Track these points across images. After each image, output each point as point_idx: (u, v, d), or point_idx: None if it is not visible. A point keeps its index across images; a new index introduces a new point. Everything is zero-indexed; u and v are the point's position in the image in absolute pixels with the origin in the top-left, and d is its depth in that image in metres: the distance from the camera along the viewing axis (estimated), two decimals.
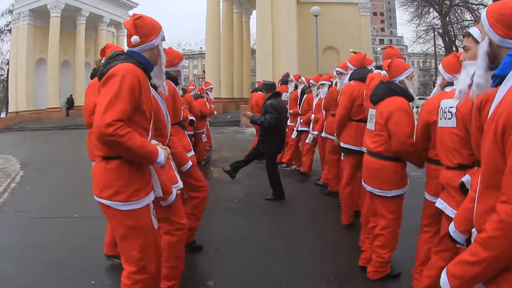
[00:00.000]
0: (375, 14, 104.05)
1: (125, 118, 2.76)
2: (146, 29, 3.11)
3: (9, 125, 31.14)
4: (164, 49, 3.41)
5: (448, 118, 3.23)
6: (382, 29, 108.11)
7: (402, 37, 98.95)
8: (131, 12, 41.87)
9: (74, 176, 10.22)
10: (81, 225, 6.27)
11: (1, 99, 46.97)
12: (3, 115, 41.40)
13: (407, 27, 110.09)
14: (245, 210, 7.26)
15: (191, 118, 8.04)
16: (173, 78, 4.69)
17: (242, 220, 6.65)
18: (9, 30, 38.50)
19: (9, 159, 13.68)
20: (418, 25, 40.08)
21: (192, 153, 5.07)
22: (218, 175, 10.30)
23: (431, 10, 39.28)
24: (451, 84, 3.48)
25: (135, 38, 3.05)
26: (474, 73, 2.16)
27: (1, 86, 47.61)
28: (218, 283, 4.45)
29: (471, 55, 2.85)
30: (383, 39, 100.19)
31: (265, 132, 7.57)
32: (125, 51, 3.10)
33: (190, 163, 4.58)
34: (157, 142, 3.20)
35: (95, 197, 2.99)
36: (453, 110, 3.15)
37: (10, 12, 36.34)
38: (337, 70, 6.80)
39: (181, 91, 5.24)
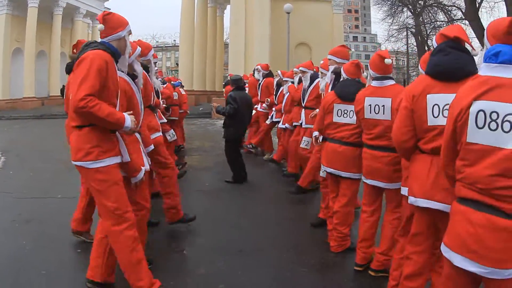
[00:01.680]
0: (349, 11, 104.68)
1: (94, 93, 3.33)
2: (113, 22, 3.73)
3: None
4: (134, 41, 4.09)
5: None
6: (356, 27, 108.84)
7: (376, 35, 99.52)
8: (106, 4, 41.90)
9: (53, 161, 10.51)
10: (64, 204, 6.65)
11: None
12: None
13: (380, 26, 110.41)
14: (215, 192, 7.86)
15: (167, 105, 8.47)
16: (145, 67, 5.20)
17: (212, 201, 7.24)
18: None
19: None
20: (391, 24, 40.52)
21: (160, 133, 5.59)
22: (189, 163, 10.74)
23: (404, 9, 39.58)
24: None
25: (100, 26, 3.69)
26: None
27: None
28: (191, 251, 5.05)
29: None
30: (356, 36, 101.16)
31: (226, 121, 8.33)
32: (96, 41, 3.73)
33: (152, 146, 4.99)
34: (130, 113, 3.74)
35: (73, 162, 3.58)
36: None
37: None
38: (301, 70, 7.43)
39: (155, 79, 5.78)
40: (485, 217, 2.21)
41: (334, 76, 5.51)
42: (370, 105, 4.23)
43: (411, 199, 3.17)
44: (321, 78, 6.49)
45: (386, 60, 4.17)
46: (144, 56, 5.24)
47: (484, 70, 2.31)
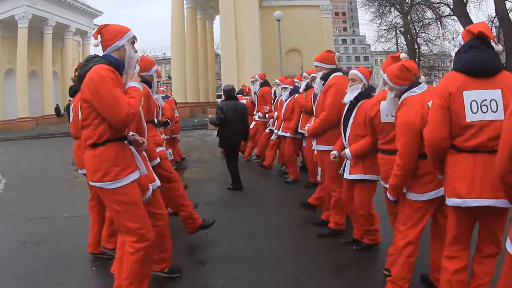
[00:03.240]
0: (337, 14, 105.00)
1: (124, 100, 3.43)
2: (109, 34, 3.67)
3: None
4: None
5: None
6: (345, 29, 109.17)
7: (365, 36, 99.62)
8: (95, 21, 42.03)
9: (55, 181, 10.48)
10: (72, 223, 6.72)
11: None
12: None
13: (368, 27, 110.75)
14: (222, 203, 7.92)
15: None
16: (147, 82, 5.26)
17: (220, 211, 7.24)
18: None
19: None
20: (380, 24, 40.60)
21: (164, 148, 5.65)
22: (190, 175, 10.98)
23: (392, 9, 39.66)
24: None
25: (96, 42, 3.69)
26: None
27: None
28: (207, 263, 5.11)
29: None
30: (345, 39, 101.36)
31: (218, 130, 8.68)
32: (97, 55, 3.68)
33: (158, 159, 5.06)
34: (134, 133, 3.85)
35: (90, 182, 3.61)
36: None
37: None
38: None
39: (156, 95, 5.81)
40: None
41: (323, 82, 5.58)
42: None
43: (457, 201, 3.15)
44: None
45: (402, 55, 4.24)
46: (146, 72, 5.28)
47: None
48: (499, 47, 3.08)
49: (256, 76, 11.71)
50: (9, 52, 32.75)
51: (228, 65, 24.72)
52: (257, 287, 4.43)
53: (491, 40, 3.08)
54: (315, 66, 5.78)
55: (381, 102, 4.11)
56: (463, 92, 3.06)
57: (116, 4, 58.73)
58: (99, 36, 3.69)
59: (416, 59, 35.62)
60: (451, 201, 3.20)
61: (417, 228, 3.80)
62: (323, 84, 5.58)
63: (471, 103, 3.04)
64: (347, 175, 4.97)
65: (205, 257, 5.24)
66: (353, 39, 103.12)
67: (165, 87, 13.57)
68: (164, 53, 65.54)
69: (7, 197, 9.43)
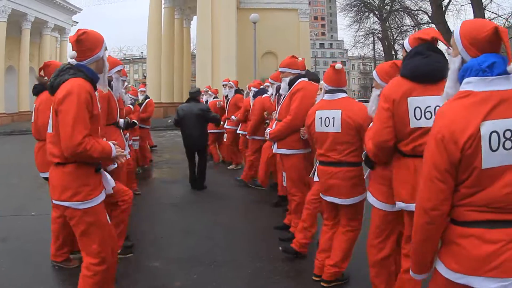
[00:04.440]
0: (316, 18, 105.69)
1: (88, 131, 3.21)
2: (90, 43, 3.44)
3: None
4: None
5: None
6: (323, 33, 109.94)
7: (343, 41, 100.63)
8: (74, 18, 41.67)
9: (26, 178, 10.22)
10: (39, 222, 6.56)
11: None
12: None
13: (347, 32, 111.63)
14: (186, 205, 7.90)
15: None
16: (108, 82, 5.20)
17: (183, 214, 7.28)
18: None
19: None
20: (358, 29, 40.92)
21: (126, 151, 5.55)
22: (159, 176, 11.03)
23: (371, 15, 40.02)
24: None
25: (72, 54, 3.42)
26: None
27: None
28: (164, 265, 5.04)
29: None
30: (323, 43, 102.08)
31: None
32: (73, 65, 3.41)
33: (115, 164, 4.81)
34: (115, 143, 3.62)
35: (54, 201, 3.40)
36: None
37: None
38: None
39: (124, 95, 5.75)
40: (504, 232, 2.03)
41: (289, 87, 5.58)
42: (321, 118, 4.29)
43: (401, 205, 3.21)
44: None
45: (337, 65, 4.24)
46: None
47: (478, 85, 2.07)
48: (450, 50, 3.05)
49: (231, 82, 11.70)
50: None
51: (203, 65, 24.75)
52: None
53: (445, 44, 3.08)
54: (281, 72, 5.75)
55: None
56: (408, 99, 3.09)
57: (96, 1, 57.76)
58: (76, 45, 3.41)
59: None
60: (397, 204, 3.27)
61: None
62: (289, 89, 5.57)
63: (415, 109, 3.07)
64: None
65: (164, 259, 5.18)
66: (331, 44, 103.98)
67: (144, 87, 13.49)
68: (142, 52, 65.24)
69: None
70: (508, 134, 1.99)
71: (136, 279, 4.61)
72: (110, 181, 3.72)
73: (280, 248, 5.24)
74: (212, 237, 5.96)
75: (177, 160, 13.19)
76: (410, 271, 2.44)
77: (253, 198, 8.31)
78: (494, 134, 1.99)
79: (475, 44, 2.15)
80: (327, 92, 4.36)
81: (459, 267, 2.12)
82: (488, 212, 2.06)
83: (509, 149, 2.00)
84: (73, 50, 3.45)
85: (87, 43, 3.42)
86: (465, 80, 2.13)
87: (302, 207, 5.28)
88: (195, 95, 8.93)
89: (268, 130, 5.87)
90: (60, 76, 3.32)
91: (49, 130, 3.49)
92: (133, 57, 75.66)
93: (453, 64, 2.28)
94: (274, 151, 5.88)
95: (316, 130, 4.32)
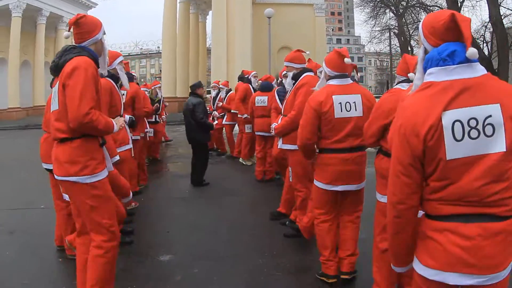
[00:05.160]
0: (332, 14, 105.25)
1: (95, 104, 3.30)
2: (89, 26, 3.54)
3: None
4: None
5: None
6: (340, 29, 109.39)
7: (360, 36, 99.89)
8: (90, 12, 41.72)
9: (37, 172, 10.24)
10: (47, 215, 6.56)
11: None
12: None
13: (364, 27, 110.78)
14: (195, 199, 7.95)
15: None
16: (113, 76, 5.23)
17: (190, 208, 7.32)
18: None
19: None
20: (374, 25, 40.73)
21: (129, 146, 5.65)
22: (171, 169, 11.12)
23: (387, 11, 39.80)
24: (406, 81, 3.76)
25: (67, 34, 3.56)
26: None
27: None
28: (168, 258, 5.07)
29: None
30: (340, 39, 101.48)
31: None
32: (76, 46, 3.53)
33: (117, 157, 4.99)
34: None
35: (59, 177, 3.43)
36: None
37: None
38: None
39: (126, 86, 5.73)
40: (480, 226, 1.98)
41: (293, 81, 5.53)
42: (341, 103, 4.10)
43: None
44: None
45: (346, 59, 4.09)
46: (109, 66, 5.18)
47: (439, 75, 2.04)
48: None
49: (221, 85, 12.03)
50: (1, 41, 32.43)
51: (218, 60, 24.67)
52: (212, 285, 4.40)
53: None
54: (286, 66, 5.71)
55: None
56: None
57: None
58: (75, 27, 3.53)
59: None
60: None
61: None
62: (294, 84, 5.53)
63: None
64: None
65: (167, 254, 5.19)
66: (348, 39, 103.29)
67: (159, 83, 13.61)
68: (158, 47, 65.30)
69: None
70: (473, 123, 1.95)
71: (137, 272, 4.64)
72: (109, 159, 3.77)
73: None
74: (217, 232, 5.97)
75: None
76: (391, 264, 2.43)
77: (261, 192, 8.33)
78: (458, 124, 1.96)
79: (434, 32, 2.14)
80: (333, 77, 4.20)
81: (434, 263, 2.08)
82: (462, 206, 2.02)
83: (475, 138, 1.96)
84: (73, 32, 3.56)
85: (85, 26, 3.53)
86: (428, 71, 2.11)
87: (307, 203, 5.26)
88: (193, 88, 8.83)
89: (273, 125, 5.83)
90: (65, 56, 3.42)
91: (55, 107, 3.51)
92: (150, 52, 75.75)
93: (418, 55, 2.26)
94: (279, 147, 5.85)
95: (336, 116, 4.07)
